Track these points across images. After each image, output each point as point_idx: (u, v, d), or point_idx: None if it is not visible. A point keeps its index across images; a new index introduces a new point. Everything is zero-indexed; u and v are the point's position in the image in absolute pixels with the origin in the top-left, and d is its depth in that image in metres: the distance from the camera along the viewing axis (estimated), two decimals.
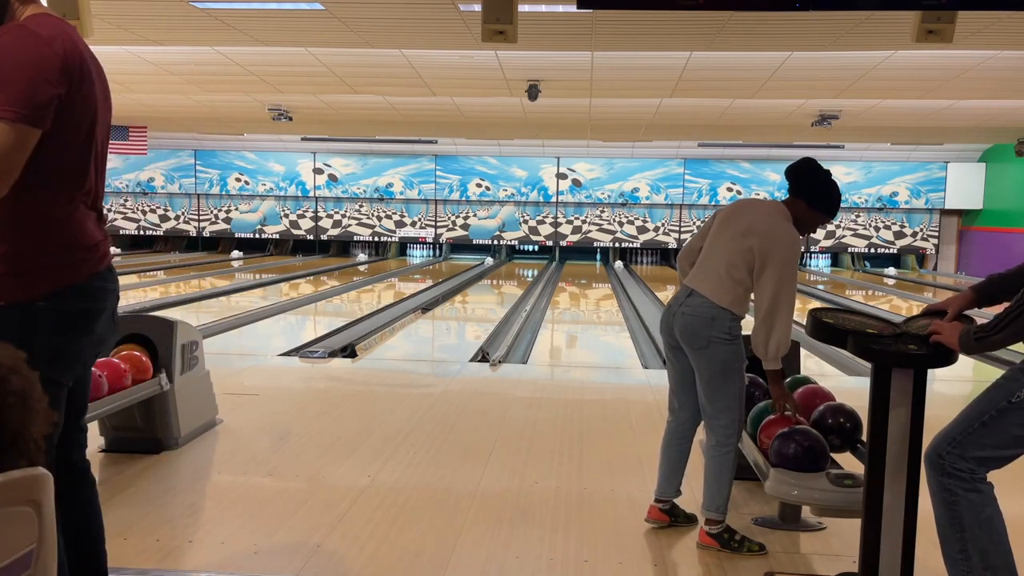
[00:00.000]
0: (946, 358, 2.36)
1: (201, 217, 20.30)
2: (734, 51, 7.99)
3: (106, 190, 2.24)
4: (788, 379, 3.77)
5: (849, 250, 19.59)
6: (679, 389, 3.28)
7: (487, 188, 19.51)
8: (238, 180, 19.94)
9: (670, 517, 3.34)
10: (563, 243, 19.71)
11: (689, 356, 3.14)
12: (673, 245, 19.62)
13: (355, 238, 20.29)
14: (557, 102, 11.20)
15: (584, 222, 19.62)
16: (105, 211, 2.18)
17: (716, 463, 3.12)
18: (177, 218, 20.36)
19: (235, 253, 19.87)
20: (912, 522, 2.44)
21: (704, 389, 3.12)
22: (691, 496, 3.51)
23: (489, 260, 19.72)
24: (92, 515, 2.14)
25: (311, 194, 19.91)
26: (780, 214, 3.08)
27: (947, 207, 18.56)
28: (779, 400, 3.21)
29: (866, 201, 18.94)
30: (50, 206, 1.92)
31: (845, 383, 6.47)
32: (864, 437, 2.95)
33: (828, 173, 3.13)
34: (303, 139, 18.47)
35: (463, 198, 19.64)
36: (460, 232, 19.90)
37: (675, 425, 3.33)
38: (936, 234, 19.01)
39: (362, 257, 19.88)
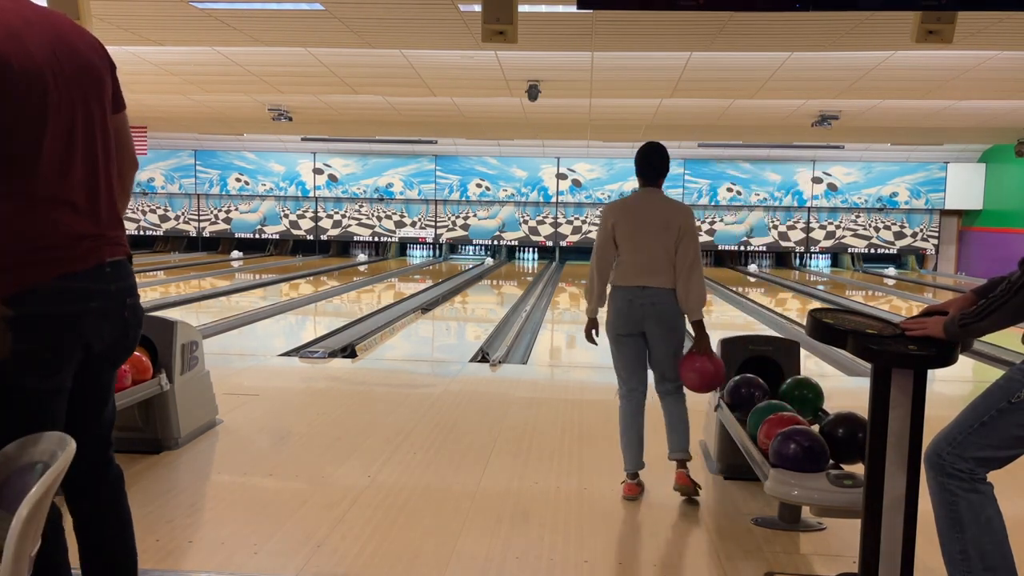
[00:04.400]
0: (946, 358, 2.35)
1: (201, 217, 20.31)
2: (734, 51, 7.99)
3: None
4: (766, 403, 3.61)
5: (849, 250, 19.59)
6: (637, 369, 3.73)
7: (487, 188, 19.50)
8: (238, 180, 19.94)
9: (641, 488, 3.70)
10: (563, 243, 19.71)
11: (658, 336, 3.65)
12: None
13: (355, 238, 20.29)
14: (557, 102, 11.20)
15: (584, 222, 19.62)
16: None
17: (683, 407, 3.72)
18: (177, 218, 20.37)
19: (235, 253, 19.87)
20: (912, 522, 2.44)
21: (671, 360, 3.68)
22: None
23: (489, 260, 19.73)
24: (112, 521, 2.09)
25: (311, 194, 19.91)
26: (668, 198, 3.74)
27: (947, 207, 18.55)
28: (705, 345, 3.67)
29: (866, 201, 18.94)
30: None
31: (845, 383, 6.47)
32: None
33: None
34: (303, 139, 18.47)
35: (463, 198, 19.64)
36: (460, 232, 19.89)
37: (638, 402, 3.74)
38: (936, 234, 19.00)
39: (362, 257, 19.87)
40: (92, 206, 1.86)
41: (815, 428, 3.28)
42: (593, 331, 3.81)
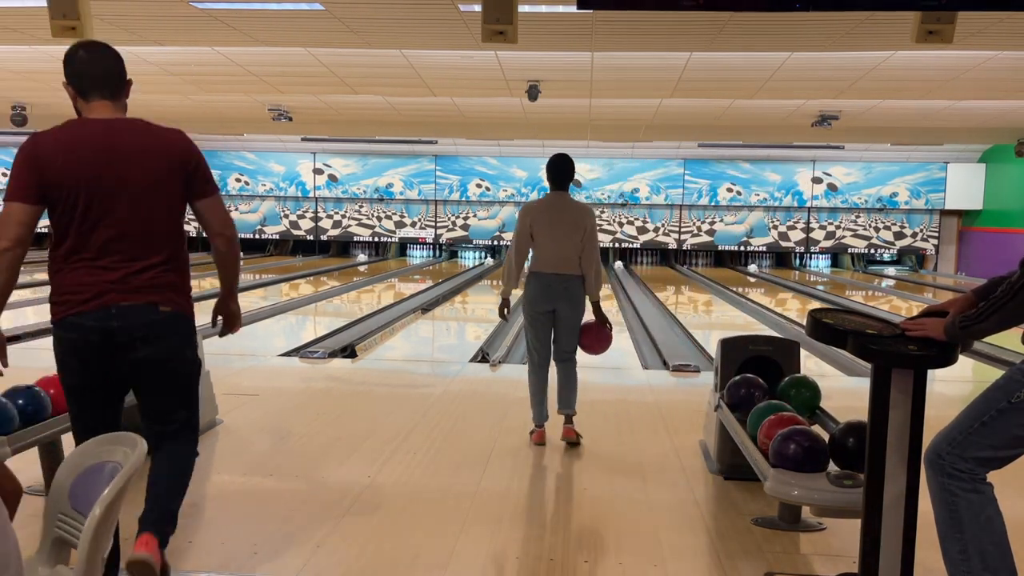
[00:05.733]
0: (946, 358, 2.35)
1: None
2: (734, 51, 7.98)
3: None
4: (766, 403, 3.60)
5: (849, 250, 19.58)
6: (547, 343, 4.52)
7: (487, 188, 19.50)
8: (238, 180, 19.94)
9: None
10: None
11: (567, 313, 4.42)
12: (673, 246, 19.61)
13: (355, 238, 20.29)
14: (557, 102, 11.19)
15: None
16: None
17: (575, 371, 4.54)
18: None
19: None
20: (912, 522, 2.44)
21: (572, 333, 4.48)
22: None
23: (489, 260, 19.73)
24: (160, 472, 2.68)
25: (311, 194, 19.91)
26: (577, 200, 4.53)
27: (947, 207, 18.54)
28: (603, 320, 4.53)
29: (866, 202, 18.93)
30: (51, 262, 2.53)
31: (845, 383, 6.47)
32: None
33: (568, 158, 4.50)
34: (303, 139, 18.45)
35: (463, 198, 19.64)
36: (460, 232, 19.89)
37: (547, 369, 4.53)
38: (936, 235, 19.00)
39: (362, 257, 19.87)
40: (108, 266, 2.48)
41: (815, 428, 3.28)
42: (506, 310, 4.59)
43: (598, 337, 4.57)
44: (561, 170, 4.43)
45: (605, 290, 14.17)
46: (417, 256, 20.45)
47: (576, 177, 18.91)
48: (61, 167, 2.44)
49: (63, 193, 2.44)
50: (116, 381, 2.60)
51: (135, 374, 2.58)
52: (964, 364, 7.15)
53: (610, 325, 4.59)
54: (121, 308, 2.48)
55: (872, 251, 19.42)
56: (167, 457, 2.68)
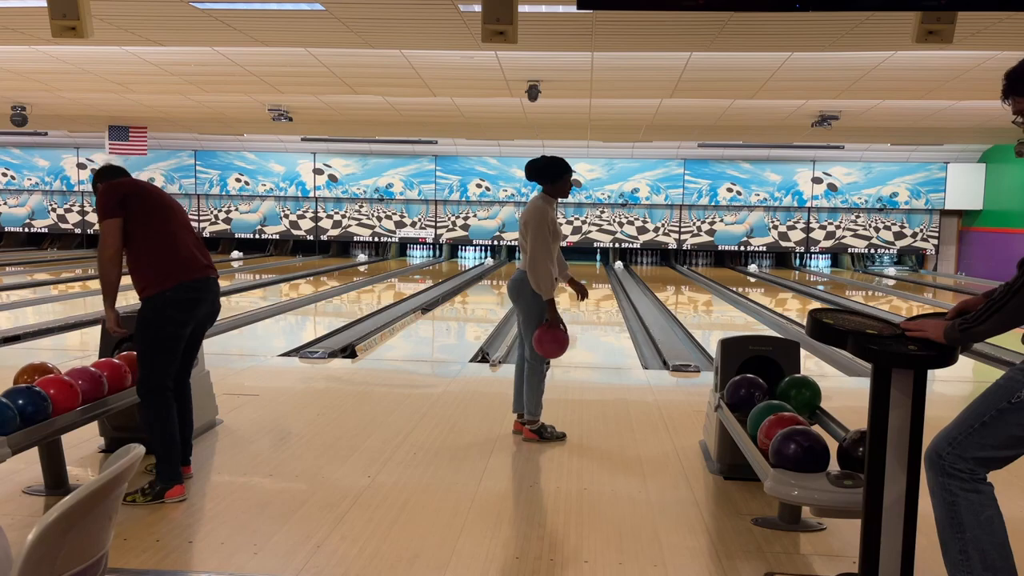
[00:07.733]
0: (946, 358, 2.35)
1: (201, 217, 20.31)
2: (734, 51, 7.99)
3: None
4: (766, 403, 3.60)
5: (849, 250, 19.59)
6: (518, 335, 4.69)
7: (487, 188, 19.50)
8: (238, 180, 19.94)
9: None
10: (563, 243, 19.67)
11: (517, 309, 4.57)
12: (673, 246, 19.61)
13: (355, 238, 20.29)
14: (557, 102, 11.20)
15: (584, 222, 19.62)
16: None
17: (531, 379, 4.52)
18: None
19: (235, 253, 19.87)
20: (912, 522, 2.44)
21: (521, 330, 4.59)
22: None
23: (489, 260, 19.73)
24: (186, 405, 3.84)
25: (311, 194, 19.91)
26: (535, 200, 4.54)
27: (947, 207, 18.55)
28: (552, 319, 4.44)
29: (866, 202, 18.94)
30: (134, 252, 3.68)
31: (845, 383, 6.47)
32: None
33: (543, 158, 4.56)
34: (303, 139, 18.46)
35: (463, 198, 19.64)
36: (460, 232, 19.89)
37: (518, 362, 4.67)
38: (936, 235, 19.00)
39: (362, 257, 19.86)
40: (200, 251, 3.76)
41: (815, 428, 3.28)
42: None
43: (545, 338, 4.42)
44: (547, 170, 4.55)
45: (605, 290, 14.33)
46: (417, 256, 20.45)
47: (576, 177, 18.96)
48: (136, 195, 3.64)
49: (140, 205, 3.60)
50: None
51: (202, 324, 3.82)
52: (964, 364, 7.15)
53: (563, 327, 4.45)
54: (211, 280, 3.75)
55: (872, 251, 19.42)
56: (188, 403, 3.83)
